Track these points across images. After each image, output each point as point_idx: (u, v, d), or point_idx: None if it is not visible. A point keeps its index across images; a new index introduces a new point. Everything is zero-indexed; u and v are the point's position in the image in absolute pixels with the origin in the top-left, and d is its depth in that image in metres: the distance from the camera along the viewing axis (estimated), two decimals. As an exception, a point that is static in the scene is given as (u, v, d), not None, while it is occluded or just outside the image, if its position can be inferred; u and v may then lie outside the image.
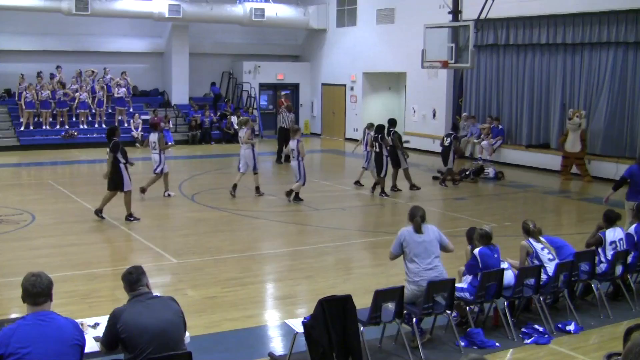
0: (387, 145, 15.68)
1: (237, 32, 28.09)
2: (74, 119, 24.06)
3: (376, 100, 26.64)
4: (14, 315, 7.21)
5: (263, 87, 28.69)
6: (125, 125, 24.23)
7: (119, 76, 25.03)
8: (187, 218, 13.74)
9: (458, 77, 22.83)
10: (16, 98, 23.66)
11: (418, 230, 7.23)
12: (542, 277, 7.78)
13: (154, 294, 5.28)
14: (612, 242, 8.57)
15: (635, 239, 8.89)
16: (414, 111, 24.18)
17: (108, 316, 5.12)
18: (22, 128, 23.21)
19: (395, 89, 27.06)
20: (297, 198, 14.87)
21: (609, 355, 4.05)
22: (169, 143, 15.64)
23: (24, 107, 23.06)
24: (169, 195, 15.15)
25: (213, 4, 25.46)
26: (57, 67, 24.44)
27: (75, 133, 23.61)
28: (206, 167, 20.21)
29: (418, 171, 16.99)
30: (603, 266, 8.50)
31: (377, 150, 15.69)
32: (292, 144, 14.78)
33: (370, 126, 16.49)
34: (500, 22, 20.66)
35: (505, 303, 7.71)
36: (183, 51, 26.81)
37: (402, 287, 6.98)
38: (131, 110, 25.15)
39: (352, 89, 27.03)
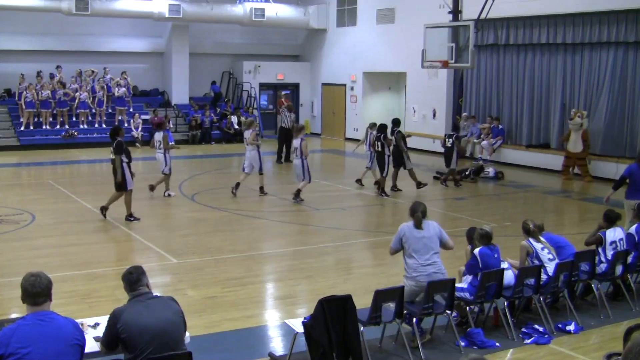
0: (389, 145, 15.67)
1: (237, 32, 28.10)
2: (74, 119, 24.07)
3: (376, 100, 26.64)
4: (14, 315, 7.21)
5: (263, 87, 28.69)
6: (126, 125, 24.20)
7: (119, 76, 25.03)
8: (187, 218, 13.74)
9: (458, 77, 22.83)
10: (16, 98, 23.66)
11: (418, 225, 7.23)
12: (542, 277, 7.77)
13: (154, 294, 5.28)
14: (612, 242, 8.56)
15: (636, 239, 8.88)
16: (414, 111, 24.17)
17: (108, 316, 5.12)
18: (22, 128, 23.21)
19: (395, 89, 27.06)
20: (298, 197, 14.84)
21: (609, 355, 4.05)
22: (171, 144, 15.64)
23: (24, 107, 23.06)
24: (169, 195, 15.15)
25: (213, 4, 25.46)
26: (57, 67, 24.45)
27: (75, 133, 23.61)
28: (206, 167, 20.21)
29: (418, 171, 16.97)
30: (603, 266, 8.50)
31: (380, 149, 15.67)
32: (296, 142, 14.73)
33: (372, 125, 16.49)
34: (500, 22, 20.66)
35: (506, 303, 7.71)
36: (183, 51, 26.81)
37: (402, 287, 6.98)
38: (131, 110, 25.15)
39: (352, 88, 27.03)
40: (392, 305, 6.88)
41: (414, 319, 7.06)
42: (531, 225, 8.03)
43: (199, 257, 10.61)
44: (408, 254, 7.23)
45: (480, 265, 7.46)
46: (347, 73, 26.91)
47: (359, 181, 16.89)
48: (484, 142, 21.36)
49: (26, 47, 24.69)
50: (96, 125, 24.31)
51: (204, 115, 25.71)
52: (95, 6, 23.34)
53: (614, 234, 8.62)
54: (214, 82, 28.08)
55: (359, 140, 19.41)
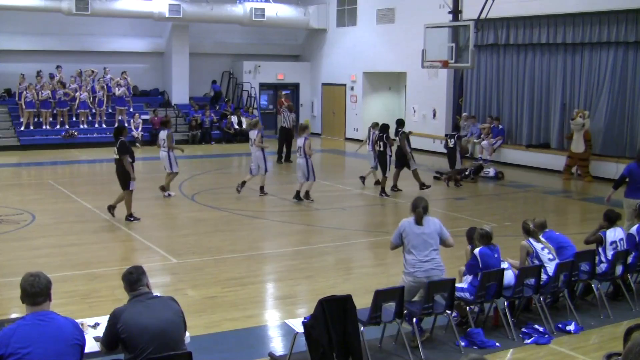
0: (391, 145, 15.66)
1: (237, 32, 28.10)
2: (74, 119, 24.07)
3: (376, 100, 26.64)
4: (14, 315, 7.21)
5: (263, 87, 28.70)
6: (126, 125, 24.19)
7: (119, 76, 25.02)
8: (187, 218, 13.74)
9: (458, 77, 22.83)
10: (16, 98, 23.66)
11: (419, 221, 7.22)
12: (542, 277, 7.77)
13: (154, 294, 5.28)
14: (612, 242, 8.57)
15: (637, 239, 8.88)
16: (414, 111, 24.17)
17: (108, 316, 5.12)
18: (22, 128, 23.21)
19: (395, 89, 27.07)
20: (299, 197, 14.84)
21: (609, 355, 4.04)
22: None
23: (24, 107, 23.06)
24: (169, 195, 15.15)
25: (213, 4, 25.46)
26: (57, 67, 24.45)
27: (76, 133, 23.61)
28: (206, 167, 20.21)
29: (418, 171, 16.95)
30: (603, 266, 8.50)
31: (381, 149, 15.66)
32: (300, 141, 14.65)
33: (375, 125, 16.49)
34: (500, 22, 20.66)
35: (506, 303, 7.71)
36: (183, 51, 26.81)
37: (403, 287, 6.98)
38: (131, 110, 25.14)
39: (352, 88, 27.03)
40: (392, 304, 6.88)
41: (414, 319, 7.06)
42: (531, 225, 8.03)
43: (199, 257, 10.61)
44: (407, 250, 7.24)
45: (481, 265, 7.46)
46: (347, 73, 26.92)
47: (362, 178, 16.92)
48: (484, 142, 21.35)
49: (26, 47, 24.69)
50: (96, 125, 24.31)
51: (204, 115, 25.70)
52: (95, 6, 23.34)
53: (614, 234, 8.62)
54: (214, 82, 28.11)
55: (361, 141, 19.41)
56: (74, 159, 21.49)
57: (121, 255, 11.06)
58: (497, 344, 7.29)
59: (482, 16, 17.25)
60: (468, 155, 21.78)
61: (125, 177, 12.60)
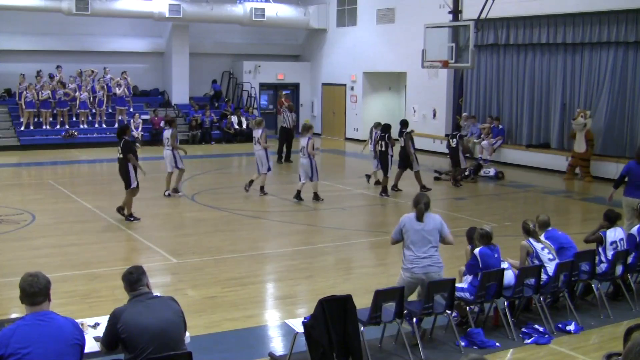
0: (393, 145, 15.65)
1: (237, 32, 28.10)
2: (74, 119, 24.07)
3: (376, 100, 26.64)
4: (14, 315, 7.21)
5: (263, 87, 28.70)
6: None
7: (119, 76, 25.02)
8: (187, 218, 13.74)
9: (458, 77, 22.83)
10: (16, 98, 23.66)
11: (420, 218, 7.22)
12: (542, 277, 7.77)
13: (154, 294, 5.28)
14: (612, 242, 8.56)
15: (638, 239, 8.88)
16: (414, 111, 24.17)
17: (108, 316, 5.12)
18: (23, 128, 23.21)
19: (395, 89, 27.07)
20: (299, 197, 14.84)
21: (609, 355, 4.04)
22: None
23: (24, 107, 23.05)
24: (169, 195, 15.15)
25: (213, 4, 25.46)
26: (57, 67, 24.44)
27: (76, 133, 23.61)
28: (206, 167, 20.20)
29: (421, 173, 16.93)
30: (603, 266, 8.50)
31: (383, 149, 15.65)
32: (303, 141, 14.65)
33: (377, 125, 16.49)
34: (500, 22, 20.66)
35: (506, 303, 7.71)
36: (183, 51, 26.81)
37: (403, 288, 6.98)
38: (131, 110, 25.14)
39: (352, 88, 27.03)
40: (392, 303, 6.88)
41: (414, 319, 7.06)
42: (531, 225, 8.03)
43: (199, 257, 10.61)
44: (406, 246, 7.24)
45: (481, 265, 7.46)
46: (347, 73, 26.92)
47: (367, 176, 16.97)
48: (484, 142, 21.35)
49: (26, 47, 24.69)
50: (96, 125, 24.29)
51: (204, 115, 25.70)
52: (95, 6, 23.34)
53: (614, 234, 8.62)
54: (214, 81, 28.12)
55: (362, 141, 19.42)
56: (74, 159, 21.48)
57: (121, 255, 11.05)
58: (497, 344, 7.29)
59: (482, 16, 17.25)
60: (468, 155, 21.78)
61: (127, 177, 12.59)
